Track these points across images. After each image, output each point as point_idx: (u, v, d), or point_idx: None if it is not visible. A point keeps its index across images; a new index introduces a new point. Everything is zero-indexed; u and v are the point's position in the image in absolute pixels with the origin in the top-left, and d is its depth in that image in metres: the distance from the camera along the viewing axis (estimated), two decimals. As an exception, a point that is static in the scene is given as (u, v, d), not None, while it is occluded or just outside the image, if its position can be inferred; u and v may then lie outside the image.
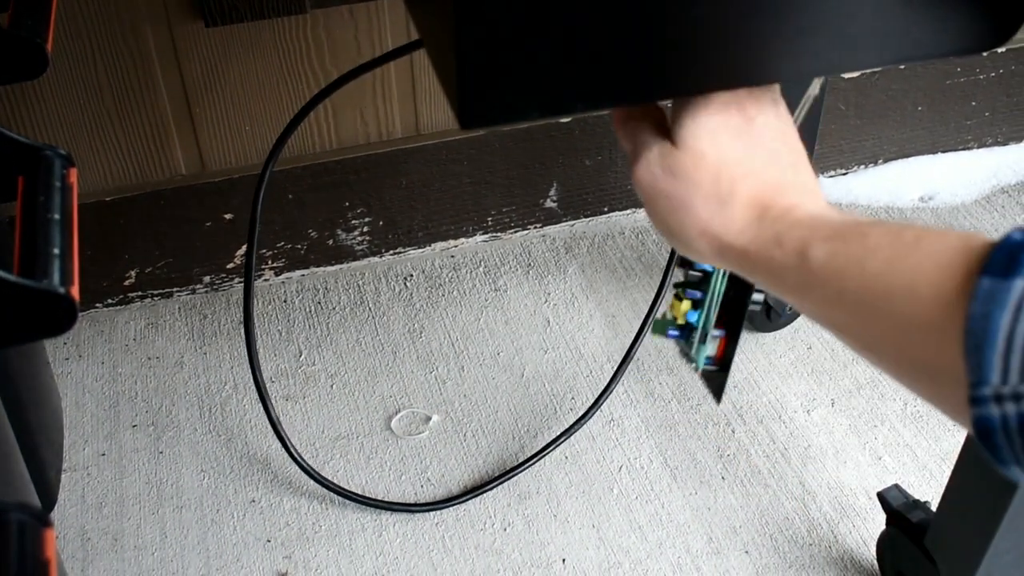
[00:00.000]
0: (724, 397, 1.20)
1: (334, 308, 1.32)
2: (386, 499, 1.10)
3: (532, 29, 0.47)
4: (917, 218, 1.45)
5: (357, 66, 0.96)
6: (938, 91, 1.46)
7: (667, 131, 0.54)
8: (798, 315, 1.27)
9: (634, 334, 1.13)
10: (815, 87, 0.64)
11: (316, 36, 1.20)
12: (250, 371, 1.05)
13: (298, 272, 1.36)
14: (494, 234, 1.41)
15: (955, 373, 0.41)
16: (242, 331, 1.28)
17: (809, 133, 0.98)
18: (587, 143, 1.36)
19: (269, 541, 1.07)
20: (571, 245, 1.41)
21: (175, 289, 1.33)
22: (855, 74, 1.41)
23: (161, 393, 1.22)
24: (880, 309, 0.45)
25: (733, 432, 1.16)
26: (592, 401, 1.15)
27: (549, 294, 1.34)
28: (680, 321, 0.72)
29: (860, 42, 0.53)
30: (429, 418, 1.19)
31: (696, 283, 0.71)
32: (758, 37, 0.51)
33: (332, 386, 1.22)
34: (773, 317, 1.25)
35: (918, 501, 0.96)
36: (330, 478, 1.10)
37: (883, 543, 1.00)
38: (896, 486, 0.98)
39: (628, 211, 1.44)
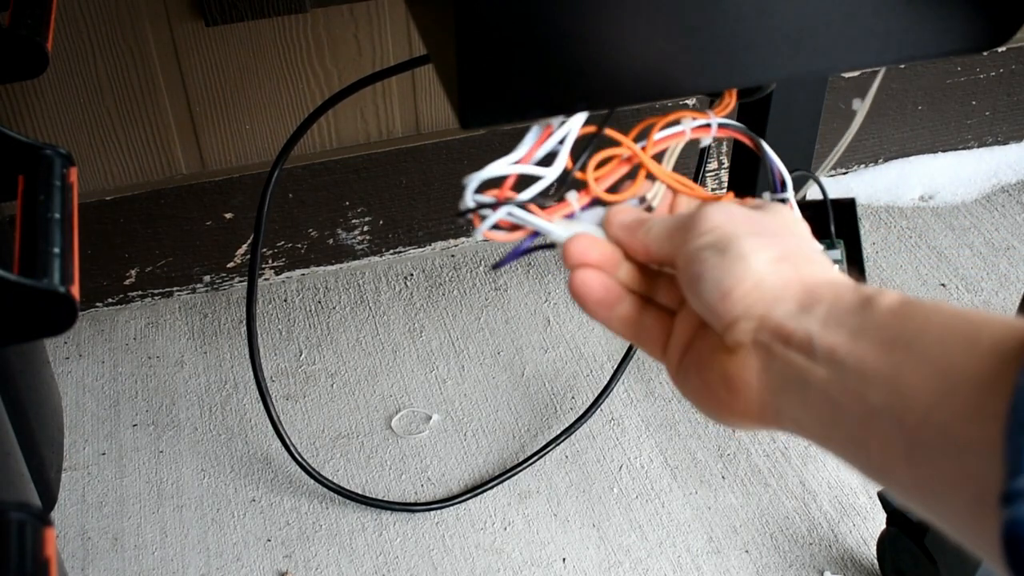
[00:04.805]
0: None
1: (334, 307, 1.32)
2: (386, 498, 1.10)
3: (532, 29, 0.47)
4: (917, 217, 1.45)
5: (372, 73, 0.95)
6: (938, 91, 1.46)
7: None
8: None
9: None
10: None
11: (316, 35, 1.20)
12: (251, 370, 1.05)
13: (298, 271, 1.36)
14: (494, 233, 1.41)
15: (983, 470, 0.34)
16: (242, 330, 1.28)
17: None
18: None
19: (269, 540, 1.07)
20: (571, 244, 1.40)
21: (175, 288, 1.33)
22: (855, 74, 1.41)
23: (161, 392, 1.22)
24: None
25: (733, 431, 1.16)
26: (592, 400, 1.15)
27: (549, 293, 1.34)
28: None
29: (860, 42, 0.53)
30: (429, 417, 1.19)
31: None
32: (758, 37, 0.51)
33: (332, 385, 1.22)
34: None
35: (918, 500, 0.96)
36: (330, 477, 1.10)
37: (883, 542, 1.00)
38: (896, 485, 0.98)
39: (628, 210, 1.44)
